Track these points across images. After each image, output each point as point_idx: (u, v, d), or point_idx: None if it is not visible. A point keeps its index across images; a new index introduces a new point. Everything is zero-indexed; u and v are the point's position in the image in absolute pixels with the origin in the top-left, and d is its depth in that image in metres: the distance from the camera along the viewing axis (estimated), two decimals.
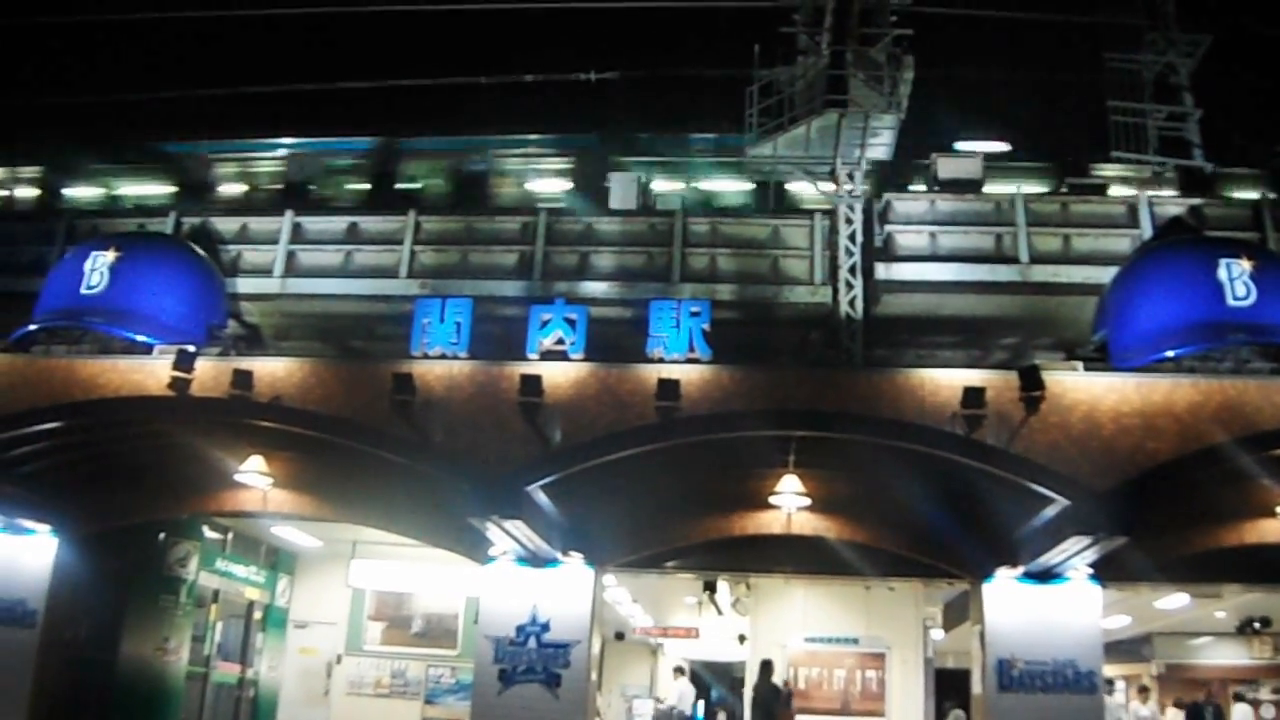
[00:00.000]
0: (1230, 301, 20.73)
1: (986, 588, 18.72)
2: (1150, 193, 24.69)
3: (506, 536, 17.54)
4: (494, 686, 19.01)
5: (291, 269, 25.40)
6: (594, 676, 19.78)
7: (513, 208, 26.16)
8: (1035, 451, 18.36)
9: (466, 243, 25.31)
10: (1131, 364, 20.70)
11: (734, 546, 20.33)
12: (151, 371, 20.92)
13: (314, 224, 25.98)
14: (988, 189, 25.23)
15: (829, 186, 24.78)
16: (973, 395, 18.60)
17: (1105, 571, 18.07)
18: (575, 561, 19.26)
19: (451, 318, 21.25)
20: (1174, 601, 23.96)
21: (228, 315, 24.88)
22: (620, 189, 27.10)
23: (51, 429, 18.46)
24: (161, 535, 23.09)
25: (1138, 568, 18.13)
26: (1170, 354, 20.76)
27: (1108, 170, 28.06)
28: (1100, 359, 21.67)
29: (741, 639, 28.28)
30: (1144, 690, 27.81)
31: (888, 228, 24.22)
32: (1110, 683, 24.25)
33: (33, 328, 23.35)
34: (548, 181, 30.43)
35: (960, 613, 23.16)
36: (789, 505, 18.99)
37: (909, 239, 24.12)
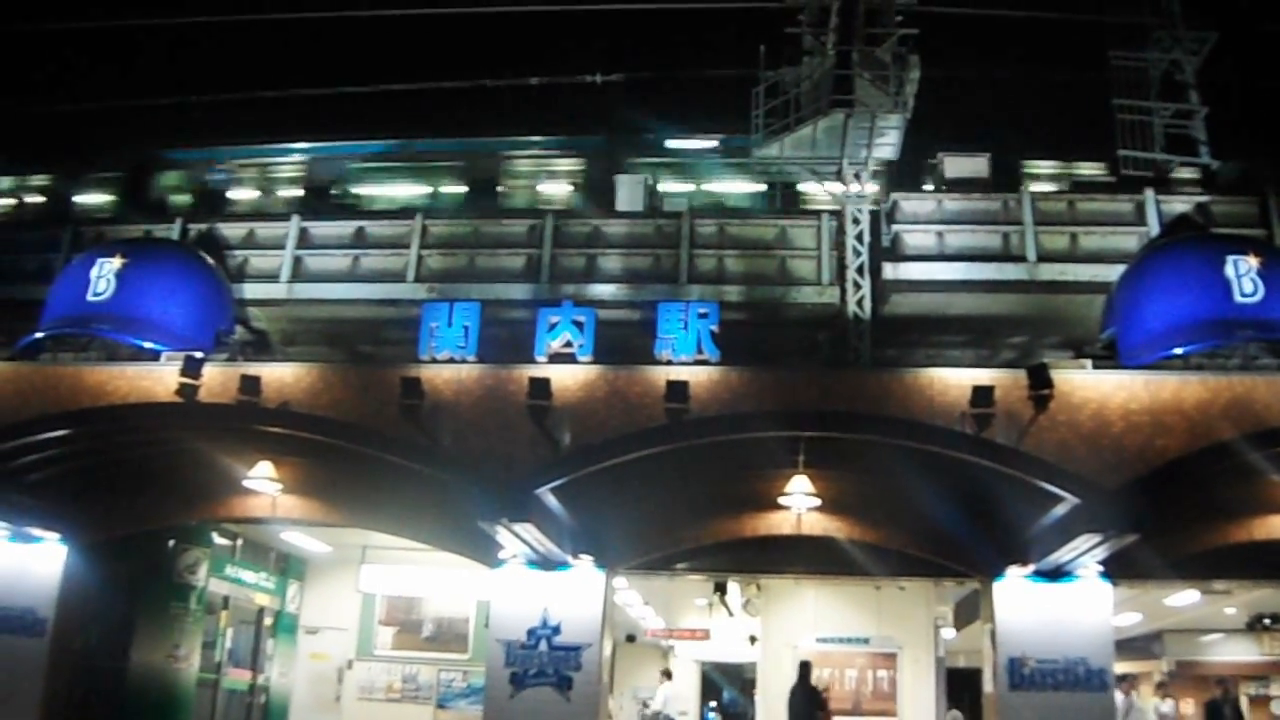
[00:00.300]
0: (1238, 298, 20.74)
1: (997, 586, 18.70)
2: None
3: (516, 540, 17.53)
4: (506, 690, 18.99)
5: (299, 274, 25.41)
6: (605, 679, 19.77)
7: (519, 210, 26.12)
8: (1044, 450, 18.36)
9: (474, 246, 25.31)
10: (1140, 361, 20.69)
11: (744, 548, 20.31)
12: (159, 378, 20.94)
13: (321, 229, 25.98)
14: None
15: (837, 187, 24.74)
16: (981, 394, 18.59)
17: (1116, 569, 18.06)
18: (586, 564, 19.24)
19: (459, 321, 21.27)
20: (1184, 598, 23.90)
21: (235, 321, 24.89)
22: (627, 191, 27.09)
23: (59, 437, 18.46)
24: (171, 542, 23.05)
25: (1148, 565, 18.10)
26: (1178, 351, 20.76)
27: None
28: (1109, 357, 21.67)
29: (752, 640, 28.26)
30: (1163, 686, 27.71)
31: (895, 227, 24.22)
32: (1131, 678, 24.15)
33: (40, 335, 23.39)
34: (556, 184, 30.42)
35: (971, 612, 23.13)
36: (799, 506, 18.95)
37: (916, 238, 24.11)
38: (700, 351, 20.65)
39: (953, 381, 19.51)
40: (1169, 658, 29.48)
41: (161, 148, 32.60)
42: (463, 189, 30.08)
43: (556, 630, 19.10)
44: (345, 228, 25.97)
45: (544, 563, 19.08)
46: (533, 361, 20.67)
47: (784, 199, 27.91)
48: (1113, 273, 22.83)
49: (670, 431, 18.14)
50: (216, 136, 32.72)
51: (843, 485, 18.88)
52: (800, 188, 27.95)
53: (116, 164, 31.87)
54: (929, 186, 26.23)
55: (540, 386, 19.30)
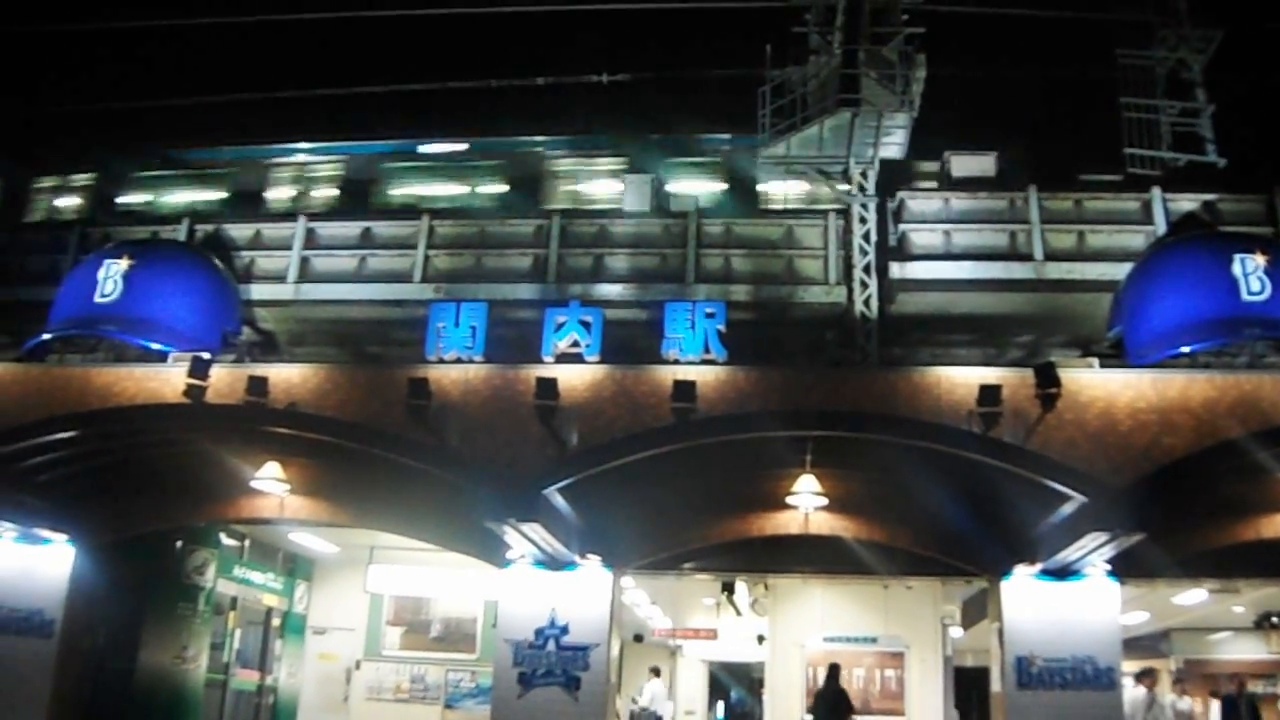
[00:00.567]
0: (1245, 296, 20.73)
1: (1004, 585, 18.70)
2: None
3: (524, 540, 17.56)
4: (514, 690, 19.01)
5: (305, 275, 25.42)
6: (613, 679, 19.77)
7: (526, 211, 26.13)
8: (1052, 448, 18.36)
9: (480, 246, 25.31)
10: (1147, 360, 20.69)
11: (752, 547, 20.32)
12: (167, 379, 20.98)
13: (327, 229, 25.99)
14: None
15: (846, 187, 24.75)
16: (989, 393, 18.59)
17: (1123, 568, 18.05)
18: (593, 564, 19.26)
19: (466, 321, 21.30)
20: (1192, 597, 23.86)
21: (242, 322, 24.94)
22: (634, 190, 27.09)
23: (67, 438, 18.51)
24: (179, 543, 23.07)
25: (1155, 564, 18.11)
26: (1186, 350, 20.76)
27: None
28: (1116, 355, 21.66)
29: (760, 639, 28.26)
30: (1180, 683, 27.64)
31: (902, 226, 24.19)
32: (1153, 674, 24.06)
33: (47, 337, 23.46)
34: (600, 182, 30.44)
35: (979, 611, 23.13)
36: (806, 505, 18.98)
37: (923, 237, 24.07)
38: (707, 351, 20.65)
39: (960, 380, 19.52)
40: (1177, 656, 29.42)
41: (168, 148, 32.62)
42: (503, 188, 29.97)
43: (564, 630, 19.12)
44: (352, 228, 25.96)
45: (551, 563, 19.10)
46: (540, 361, 20.68)
47: (743, 198, 27.86)
48: (1120, 271, 22.81)
49: (677, 431, 18.17)
50: (224, 136, 32.73)
51: (850, 484, 18.89)
52: (761, 188, 27.97)
53: (124, 165, 31.89)
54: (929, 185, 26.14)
55: (547, 386, 19.32)
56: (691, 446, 17.46)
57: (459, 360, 20.92)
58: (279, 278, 25.42)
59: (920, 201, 24.45)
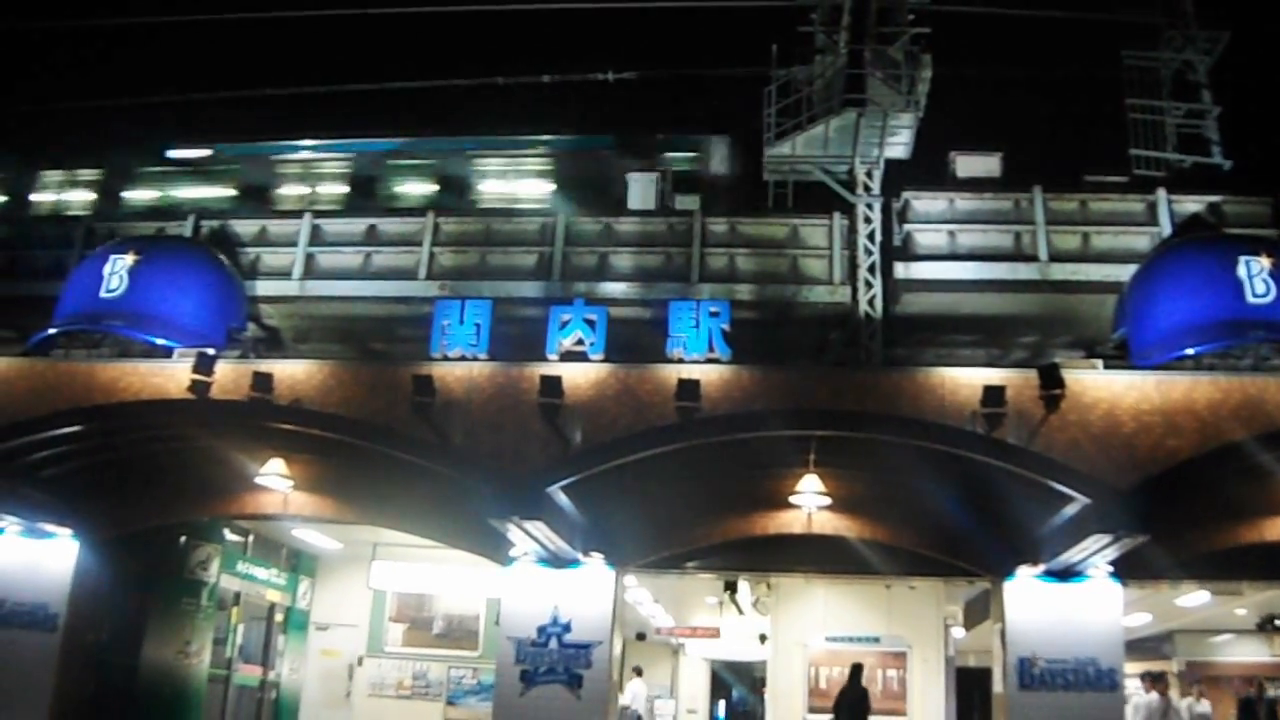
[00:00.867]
0: (1250, 299, 20.70)
1: (1007, 586, 18.70)
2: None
3: (527, 538, 17.57)
4: (516, 687, 19.02)
5: (310, 271, 25.44)
6: (615, 677, 19.80)
7: (531, 208, 26.14)
8: (1055, 450, 18.36)
9: (485, 244, 25.33)
10: (1151, 362, 20.67)
11: (755, 546, 20.32)
12: (171, 375, 20.99)
13: (332, 226, 26.01)
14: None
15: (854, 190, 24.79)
16: (993, 394, 18.59)
17: (1126, 569, 18.04)
18: (596, 562, 19.27)
19: (471, 319, 21.29)
20: (1195, 599, 23.87)
21: (247, 318, 24.94)
22: (639, 189, 27.10)
23: (72, 433, 18.52)
24: (183, 538, 23.14)
25: (1159, 565, 18.12)
26: (1190, 351, 20.72)
27: None
28: (1120, 357, 21.65)
29: (762, 638, 28.29)
30: (1197, 684, 27.61)
31: (907, 226, 24.19)
32: (1164, 677, 24.06)
33: (52, 332, 23.46)
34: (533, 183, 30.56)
35: (981, 611, 23.14)
36: (809, 505, 18.99)
37: (928, 238, 24.08)
38: (711, 350, 20.66)
39: (964, 381, 19.52)
40: (1179, 658, 29.47)
41: (174, 145, 32.64)
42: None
43: (567, 628, 19.13)
44: (357, 225, 25.99)
45: (554, 560, 19.11)
46: (544, 359, 20.68)
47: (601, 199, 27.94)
48: (1124, 272, 22.79)
49: (681, 430, 18.17)
50: (228, 133, 32.74)
51: (854, 484, 18.89)
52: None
53: (129, 161, 31.94)
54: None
55: (552, 384, 19.34)
56: (695, 445, 17.46)
57: (463, 358, 20.91)
58: (284, 274, 25.44)
59: (925, 202, 24.45)
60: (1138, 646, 27.93)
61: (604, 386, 20.15)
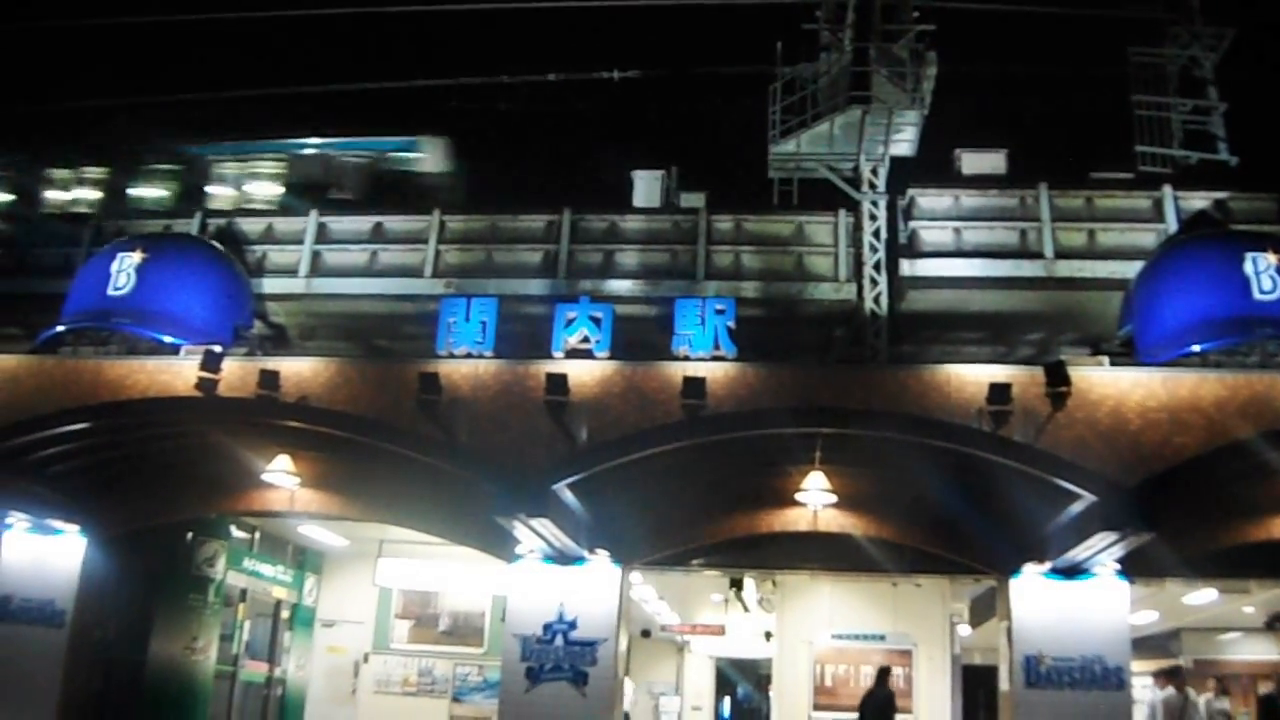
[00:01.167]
0: (1256, 295, 20.71)
1: (1013, 584, 18.67)
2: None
3: (533, 535, 17.56)
4: (521, 684, 19.03)
5: (317, 269, 25.51)
6: (621, 674, 19.81)
7: (537, 206, 26.12)
8: (1061, 447, 18.30)
9: (491, 241, 25.38)
10: (1158, 359, 20.66)
11: (760, 543, 20.33)
12: (178, 372, 21.01)
13: (339, 223, 26.07)
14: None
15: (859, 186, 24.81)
16: (998, 391, 18.55)
17: (1133, 567, 18.01)
18: (602, 559, 19.26)
19: (477, 317, 21.30)
20: (1202, 597, 23.82)
21: (254, 315, 25.00)
22: (644, 187, 27.12)
23: (80, 430, 18.53)
24: (189, 535, 23.16)
25: (1165, 563, 18.07)
26: (1196, 348, 20.71)
27: None
28: (1126, 354, 21.64)
29: (768, 636, 28.27)
30: (1219, 681, 27.54)
31: (912, 224, 24.22)
32: (1178, 674, 24.00)
33: (60, 329, 23.52)
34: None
35: (987, 609, 23.12)
36: (815, 502, 18.97)
37: (933, 234, 24.10)
38: (717, 347, 20.64)
39: (970, 378, 19.51)
40: (1186, 656, 29.41)
41: (181, 142, 32.64)
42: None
43: (572, 625, 19.13)
44: (363, 223, 26.04)
45: (560, 558, 19.11)
46: (550, 357, 20.68)
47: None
48: (1130, 269, 22.79)
49: (687, 428, 18.14)
50: (235, 131, 32.74)
51: (859, 482, 18.88)
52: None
53: (137, 159, 31.93)
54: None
55: (557, 382, 19.31)
56: (701, 443, 17.45)
57: (469, 355, 20.93)
58: (291, 272, 25.51)
59: (930, 198, 24.45)
60: (1144, 644, 27.87)
61: (609, 384, 20.16)
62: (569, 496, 17.29)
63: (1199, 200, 24.12)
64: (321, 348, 25.61)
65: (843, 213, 24.68)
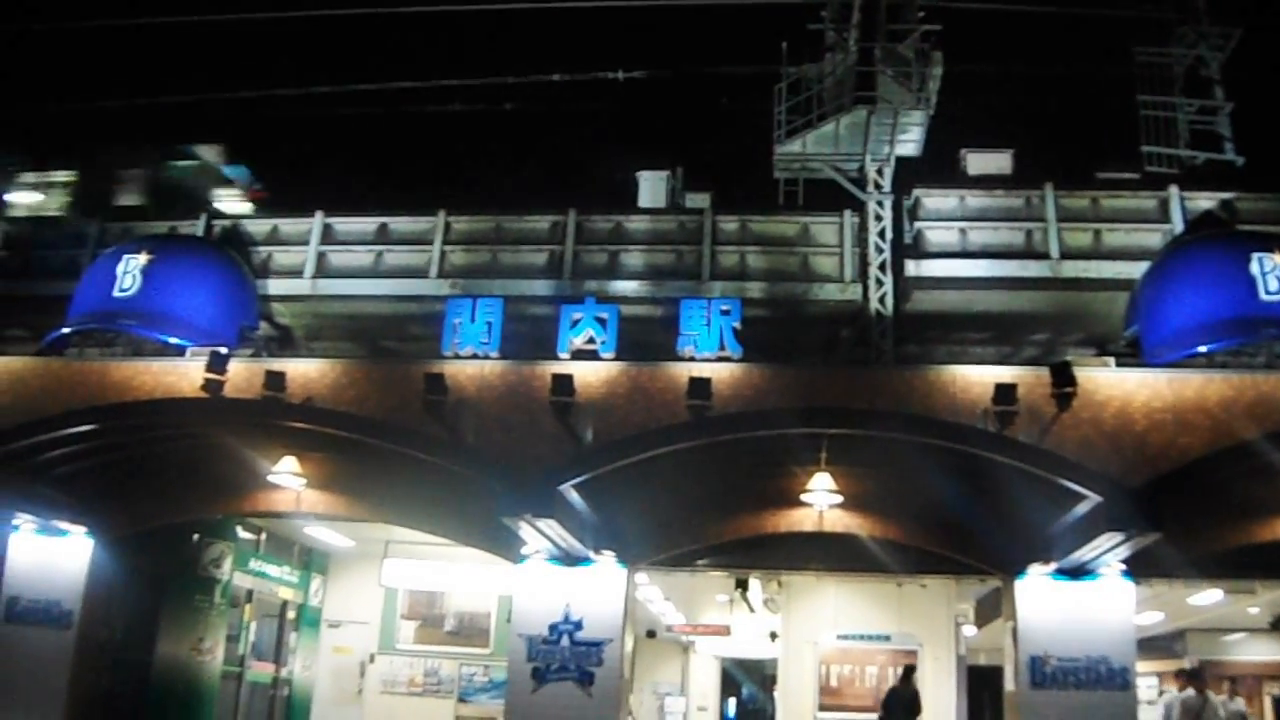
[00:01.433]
0: (1263, 296, 20.66)
1: (1019, 584, 18.67)
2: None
3: (539, 535, 17.57)
4: (527, 685, 19.04)
5: (322, 270, 25.49)
6: (627, 674, 19.81)
7: (542, 206, 26.13)
8: (1067, 448, 18.31)
9: (496, 242, 25.38)
10: (1164, 359, 20.64)
11: (766, 544, 20.36)
12: (184, 373, 21.05)
13: (344, 225, 26.04)
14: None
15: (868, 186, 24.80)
16: (1004, 392, 18.55)
17: (1138, 567, 18.01)
18: (607, 560, 19.27)
19: (482, 317, 21.31)
20: (1207, 597, 23.82)
21: (259, 317, 25.01)
22: (649, 187, 27.14)
23: (86, 431, 18.55)
24: (196, 536, 23.22)
25: (1171, 564, 18.06)
26: (1202, 349, 20.71)
27: None
28: (1132, 354, 21.61)
29: (773, 636, 28.29)
30: (1233, 682, 27.49)
31: (917, 224, 24.17)
32: (1198, 674, 23.93)
33: (66, 331, 23.56)
34: None
35: (992, 609, 23.12)
36: (821, 503, 18.98)
37: (939, 235, 24.06)
38: (723, 348, 20.66)
39: (975, 379, 19.52)
40: (1191, 657, 29.41)
41: (186, 142, 32.68)
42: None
43: (578, 626, 19.14)
44: (368, 224, 26.02)
45: (566, 558, 19.12)
46: (555, 358, 20.70)
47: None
48: (1136, 270, 22.76)
49: (693, 428, 18.15)
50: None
51: (865, 482, 18.88)
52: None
53: (142, 160, 31.97)
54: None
55: (563, 383, 19.33)
56: (707, 444, 17.45)
57: (475, 356, 20.95)
58: (296, 273, 25.50)
59: (936, 199, 24.42)
60: (1149, 645, 27.88)
61: (615, 385, 20.18)
62: (575, 497, 17.30)
63: (1205, 200, 24.06)
64: (327, 349, 25.65)
65: (848, 213, 24.67)
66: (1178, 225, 23.59)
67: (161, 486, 20.76)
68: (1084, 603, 18.32)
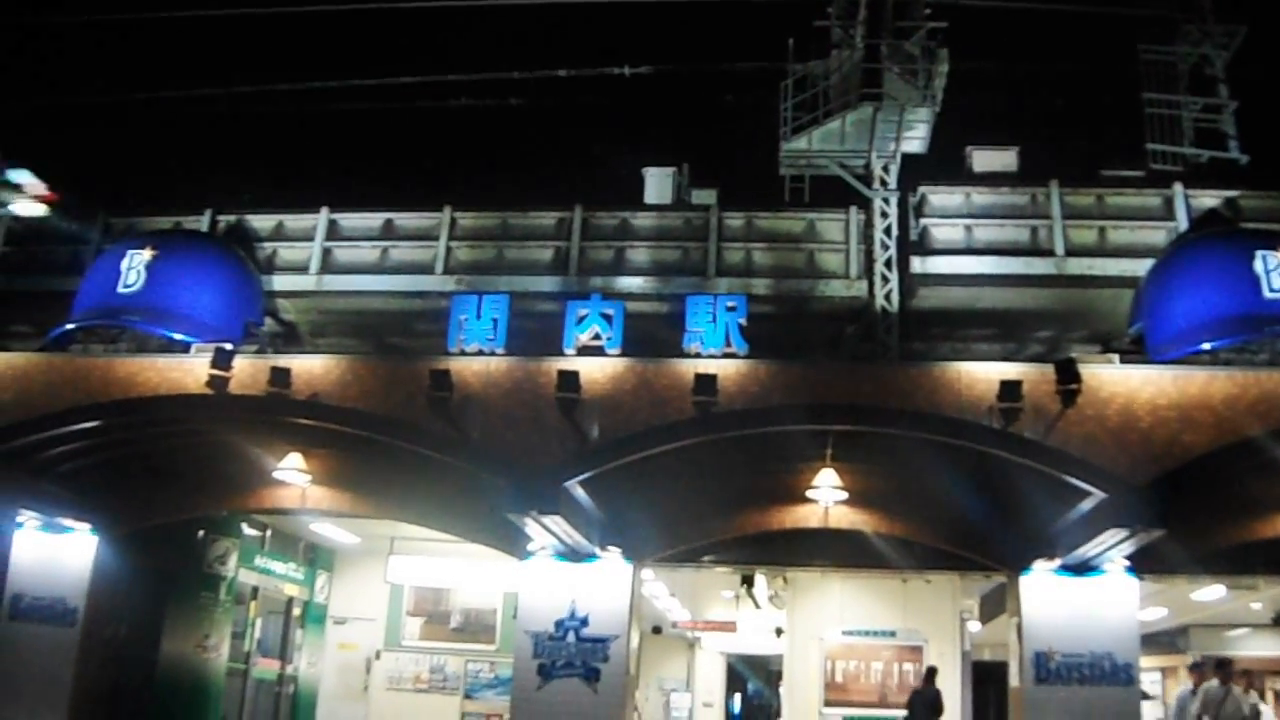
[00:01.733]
0: (1267, 293, 20.64)
1: (1023, 580, 18.71)
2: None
3: (545, 532, 17.60)
4: (533, 681, 19.07)
5: (327, 266, 25.49)
6: (633, 670, 19.83)
7: (548, 203, 26.12)
8: (1072, 444, 18.31)
9: (502, 238, 25.37)
10: (1168, 357, 20.64)
11: (771, 540, 20.39)
12: (189, 370, 21.02)
13: (349, 220, 26.03)
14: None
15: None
16: (1009, 388, 18.55)
17: (1142, 564, 18.03)
18: (613, 556, 19.30)
19: (488, 314, 21.27)
20: (1211, 593, 23.85)
21: (264, 313, 25.00)
22: (656, 184, 27.16)
23: (90, 428, 18.60)
24: (201, 533, 23.21)
25: (1174, 560, 18.10)
26: (1207, 346, 20.69)
27: None
28: (1136, 352, 21.60)
29: (779, 632, 28.31)
30: (1246, 675, 27.41)
31: (923, 221, 24.18)
32: (1225, 665, 23.83)
33: (70, 327, 23.53)
34: None
35: (997, 605, 23.14)
36: (826, 499, 19.00)
37: (944, 232, 24.06)
38: (728, 344, 20.62)
39: (980, 376, 19.50)
40: (1194, 652, 29.42)
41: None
42: None
43: (584, 622, 19.17)
44: (374, 220, 26.01)
45: (572, 555, 19.15)
46: (561, 354, 20.67)
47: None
48: (1141, 267, 22.75)
49: (698, 425, 18.17)
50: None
51: (870, 479, 18.91)
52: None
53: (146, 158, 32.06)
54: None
55: (569, 379, 19.34)
56: (713, 440, 17.49)
57: (480, 352, 20.92)
58: (301, 269, 25.50)
59: (942, 196, 24.42)
60: (1152, 640, 27.91)
61: (621, 381, 20.17)
62: (580, 493, 17.33)
63: (1210, 198, 24.06)
64: (332, 345, 25.66)
65: (854, 210, 24.68)
66: (1182, 223, 23.58)
67: (166, 483, 20.80)
68: (1088, 599, 18.35)
